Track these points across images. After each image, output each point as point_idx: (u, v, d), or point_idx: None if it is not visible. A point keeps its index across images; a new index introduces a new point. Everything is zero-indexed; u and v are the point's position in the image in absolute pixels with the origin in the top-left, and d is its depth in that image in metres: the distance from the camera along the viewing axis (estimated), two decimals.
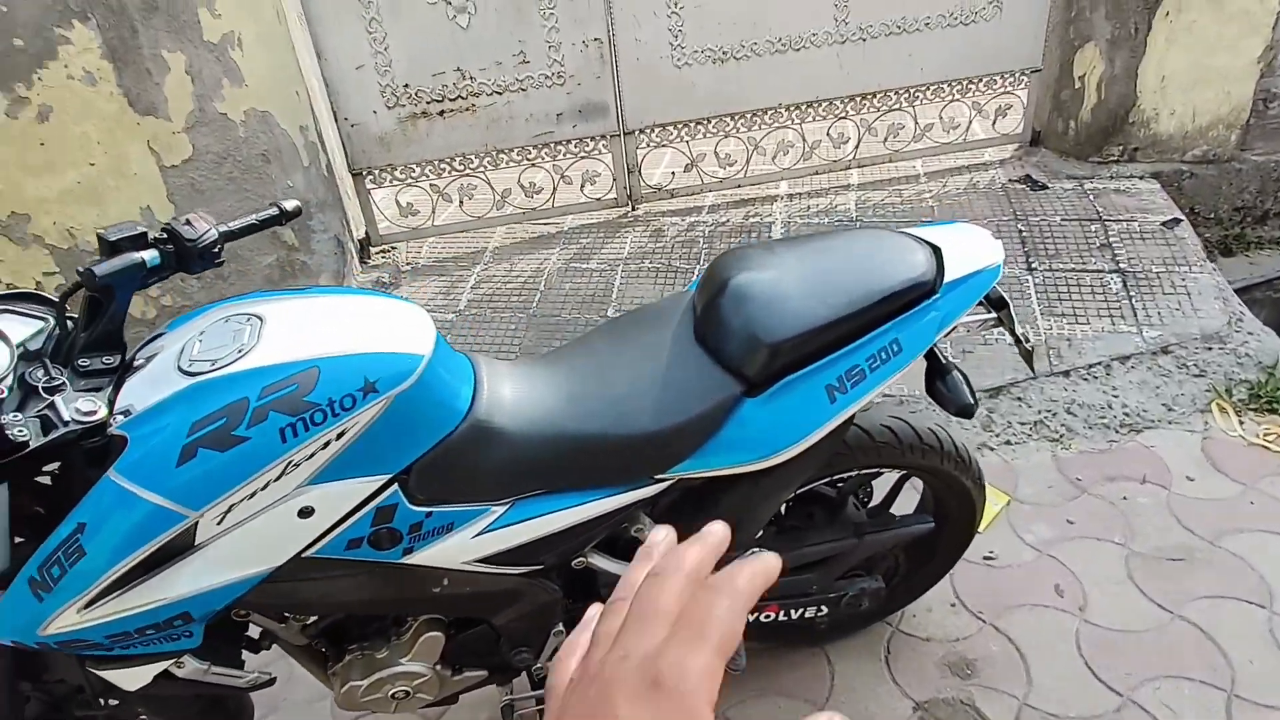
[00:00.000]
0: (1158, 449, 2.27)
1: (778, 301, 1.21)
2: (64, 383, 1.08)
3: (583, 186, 3.21)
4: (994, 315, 1.36)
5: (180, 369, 1.07)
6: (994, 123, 3.31)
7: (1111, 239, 2.82)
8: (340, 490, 1.11)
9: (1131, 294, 2.63)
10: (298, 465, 1.06)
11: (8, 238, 2.59)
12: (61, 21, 2.31)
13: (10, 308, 1.19)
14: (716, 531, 0.41)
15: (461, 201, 3.14)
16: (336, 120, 2.90)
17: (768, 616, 1.55)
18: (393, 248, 3.21)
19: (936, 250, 1.28)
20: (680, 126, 3.13)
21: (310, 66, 2.80)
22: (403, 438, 1.13)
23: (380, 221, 3.16)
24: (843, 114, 3.19)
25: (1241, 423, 2.31)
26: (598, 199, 3.25)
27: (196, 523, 1.04)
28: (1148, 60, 2.90)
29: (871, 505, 1.67)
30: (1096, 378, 2.46)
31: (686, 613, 0.35)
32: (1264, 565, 1.92)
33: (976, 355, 2.54)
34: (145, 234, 1.21)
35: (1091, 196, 3.01)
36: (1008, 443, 2.34)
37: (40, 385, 1.06)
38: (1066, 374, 2.46)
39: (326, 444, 1.07)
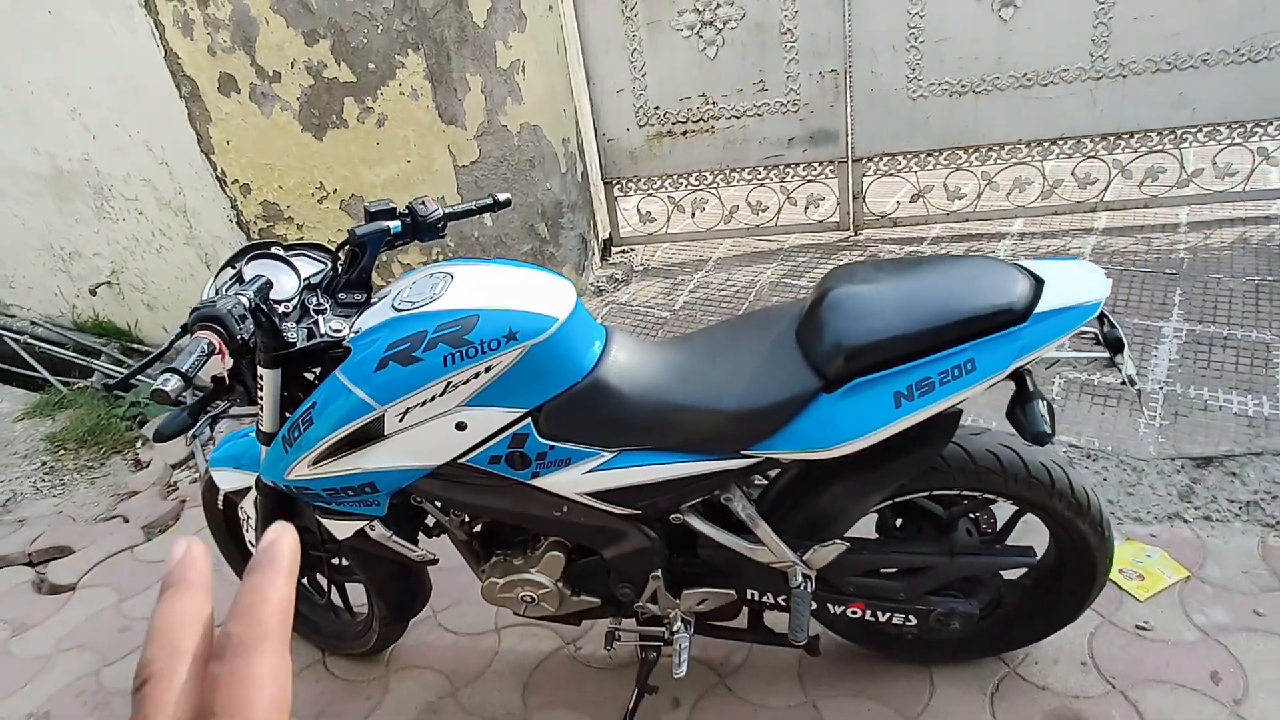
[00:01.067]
0: None
1: (865, 311, 1.34)
2: (327, 309, 1.54)
3: (807, 209, 3.38)
4: (1107, 354, 1.36)
5: (393, 306, 1.48)
6: None
7: None
8: (487, 414, 1.45)
9: None
10: (455, 387, 1.42)
11: (347, 213, 3.38)
12: (400, 50, 2.99)
13: (304, 252, 1.68)
14: (270, 543, 0.39)
15: (694, 213, 3.46)
16: (596, 135, 3.37)
17: (853, 612, 1.65)
18: (631, 249, 3.62)
19: (1040, 281, 1.32)
20: (910, 157, 3.17)
21: (580, 88, 3.29)
22: (536, 381, 1.44)
23: (623, 226, 3.58)
24: (1091, 153, 3.02)
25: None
26: (820, 221, 3.40)
27: (383, 416, 1.43)
28: None
29: (986, 535, 1.68)
30: None
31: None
32: None
33: (1191, 419, 2.32)
34: (394, 208, 1.65)
35: None
36: (1207, 518, 2.13)
37: (311, 308, 1.53)
38: None
39: (477, 374, 1.41)
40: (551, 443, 1.48)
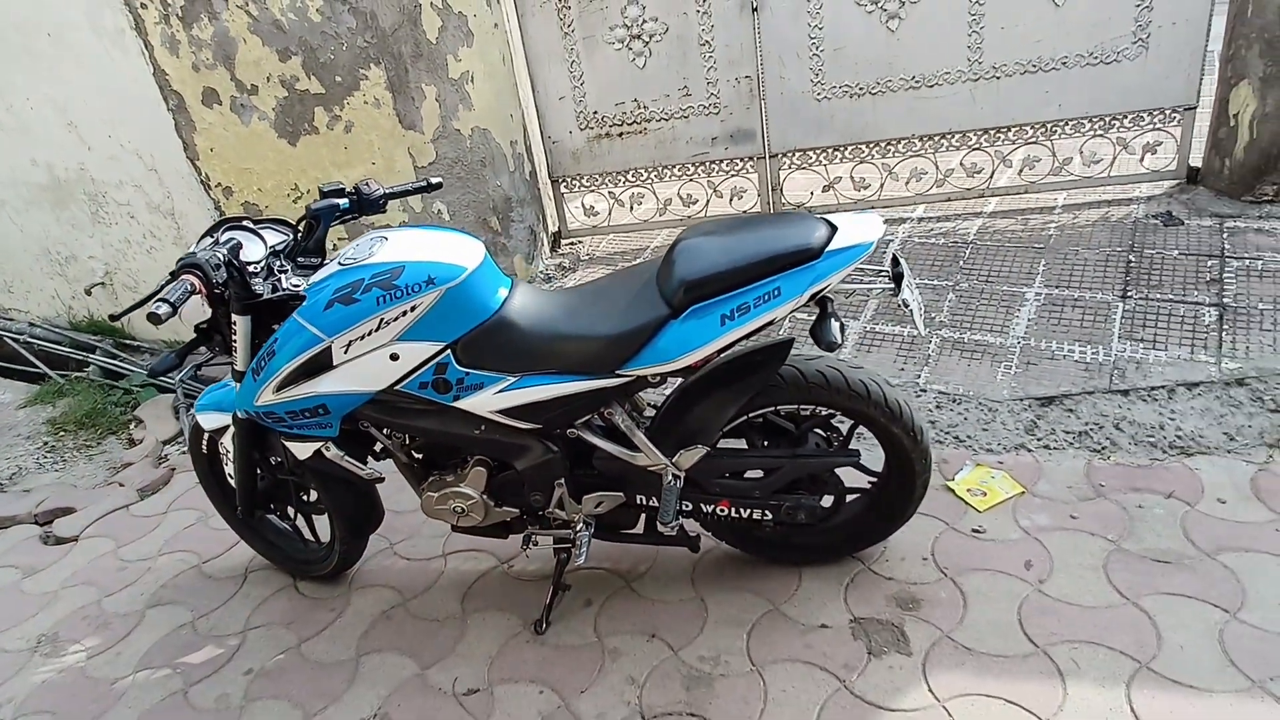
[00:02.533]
0: (1202, 472, 2.32)
1: (700, 254, 1.73)
2: (289, 269, 1.92)
3: (731, 200, 3.77)
4: (892, 285, 1.74)
5: (339, 263, 1.85)
6: (1142, 159, 3.33)
7: (1225, 275, 2.80)
8: (415, 348, 1.82)
9: (1225, 327, 2.63)
10: (387, 324, 1.78)
11: None
12: (363, 65, 3.38)
13: (270, 225, 2.05)
14: None
15: (632, 207, 3.85)
16: (542, 138, 3.75)
17: (721, 510, 2.02)
18: (578, 241, 4.01)
19: (834, 229, 1.71)
20: (819, 152, 3.58)
21: (526, 96, 3.68)
22: (452, 319, 1.82)
23: (570, 220, 3.97)
24: (976, 145, 3.43)
25: None
26: (744, 212, 3.79)
27: (330, 348, 1.80)
28: None
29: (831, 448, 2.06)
30: (1157, 400, 2.53)
31: None
32: (1253, 581, 1.97)
33: (1039, 367, 2.71)
34: (343, 188, 2.03)
35: (1226, 234, 2.97)
36: (1046, 447, 2.51)
37: (276, 269, 1.91)
38: (1125, 393, 2.56)
39: (404, 313, 1.78)
40: (467, 370, 1.85)
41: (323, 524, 2.44)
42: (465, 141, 3.49)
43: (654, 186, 3.80)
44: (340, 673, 2.15)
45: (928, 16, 3.20)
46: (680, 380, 1.90)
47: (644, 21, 3.42)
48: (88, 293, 4.58)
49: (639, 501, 2.05)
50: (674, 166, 3.73)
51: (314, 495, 2.36)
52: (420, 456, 2.12)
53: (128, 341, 4.69)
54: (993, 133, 3.39)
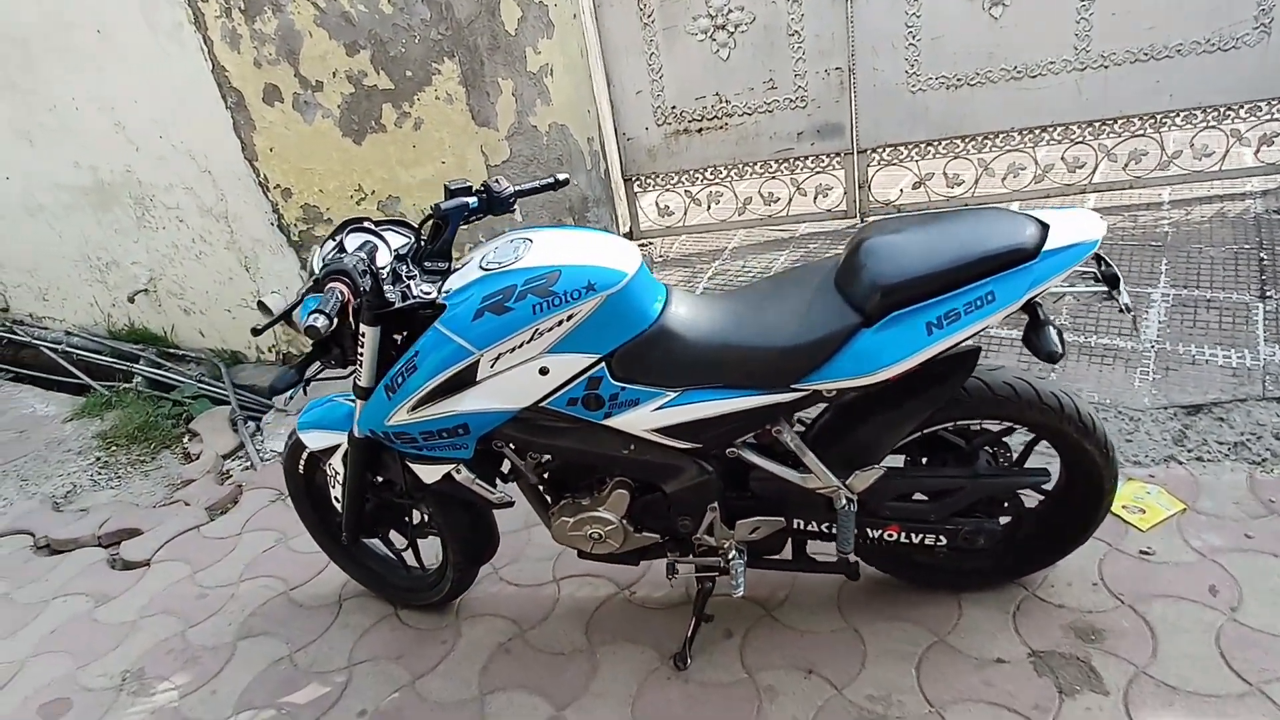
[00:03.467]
0: None
1: (897, 254, 1.56)
2: (416, 275, 1.75)
3: (816, 199, 3.61)
4: (1105, 288, 1.57)
5: (481, 267, 1.68)
6: (1257, 151, 3.17)
7: None
8: (567, 360, 1.65)
9: None
10: (540, 335, 1.62)
11: (384, 213, 3.58)
12: (436, 58, 3.21)
13: (391, 227, 1.89)
14: None
15: (709, 206, 3.69)
16: (616, 134, 3.59)
17: (890, 535, 1.85)
18: (650, 242, 3.84)
19: (1045, 226, 1.54)
20: (911, 147, 3.41)
21: (602, 91, 3.51)
22: (610, 329, 1.65)
23: (643, 220, 3.80)
24: (1079, 139, 3.27)
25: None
26: (828, 210, 3.62)
27: (478, 362, 1.63)
28: None
29: (1003, 465, 1.89)
30: None
31: None
32: None
33: (1181, 373, 2.54)
34: (470, 186, 1.86)
35: None
36: (1199, 459, 2.35)
37: (403, 274, 1.73)
38: None
39: (560, 323, 1.61)
40: (623, 384, 1.68)
41: (428, 549, 2.27)
42: (542, 138, 3.32)
43: (733, 184, 3.64)
44: (465, 714, 1.98)
45: (1034, 2, 3.04)
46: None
47: (730, 11, 3.25)
48: (130, 300, 4.40)
49: (796, 526, 1.88)
50: (755, 164, 3.57)
51: (420, 518, 2.19)
52: (549, 477, 1.95)
53: (172, 350, 4.52)
54: (1097, 125, 3.23)
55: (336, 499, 2.11)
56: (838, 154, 3.48)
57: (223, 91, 3.46)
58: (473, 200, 1.83)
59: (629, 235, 3.84)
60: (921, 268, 1.52)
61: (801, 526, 1.86)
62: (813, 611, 2.08)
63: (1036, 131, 3.28)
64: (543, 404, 1.70)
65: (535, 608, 2.26)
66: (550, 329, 1.62)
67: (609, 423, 1.72)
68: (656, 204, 3.73)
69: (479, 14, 3.11)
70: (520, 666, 2.08)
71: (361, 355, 1.74)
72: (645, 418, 1.70)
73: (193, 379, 4.12)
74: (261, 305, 4.04)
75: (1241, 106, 3.10)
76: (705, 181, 3.65)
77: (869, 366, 1.55)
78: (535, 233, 1.76)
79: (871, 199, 3.57)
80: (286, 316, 1.60)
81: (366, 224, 1.83)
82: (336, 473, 2.06)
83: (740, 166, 3.58)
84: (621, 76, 3.48)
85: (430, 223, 1.82)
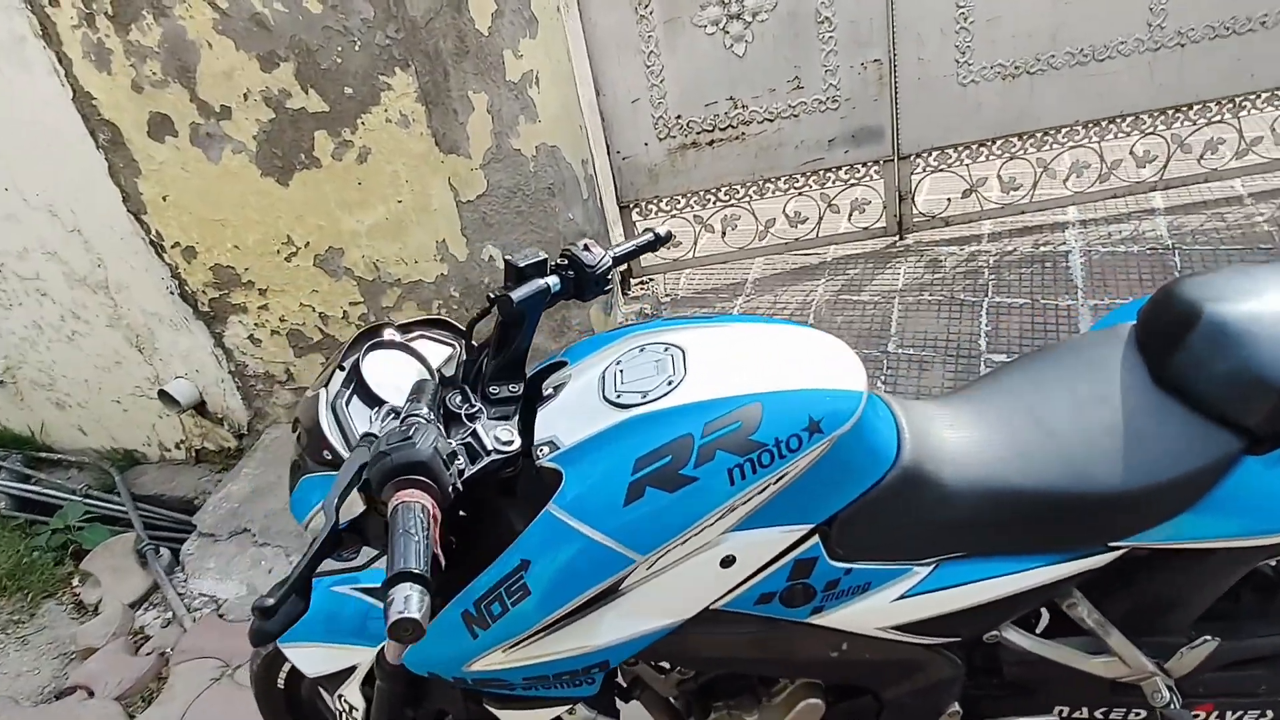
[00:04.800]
0: None
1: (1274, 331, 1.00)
2: (480, 409, 1.07)
3: (850, 215, 3.06)
4: None
5: (607, 400, 1.02)
6: None
7: None
8: (763, 539, 1.02)
9: None
10: (734, 510, 0.98)
11: (324, 269, 2.81)
12: (385, 69, 2.48)
13: (422, 332, 1.20)
14: None
15: (724, 232, 3.09)
16: (609, 153, 2.94)
17: (1195, 716, 1.29)
18: (652, 279, 3.21)
19: None
20: (961, 149, 2.91)
21: (589, 101, 2.86)
22: (833, 484, 1.02)
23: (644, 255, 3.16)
24: (1150, 129, 2.85)
25: None
26: (865, 228, 3.09)
27: (637, 567, 0.97)
28: None
29: None
30: None
31: None
32: None
33: None
34: (546, 260, 1.20)
35: None
36: None
37: (462, 413, 1.05)
38: None
39: (765, 489, 0.98)
40: (848, 565, 1.06)
41: None
42: (528, 164, 2.64)
43: (752, 204, 3.05)
44: None
45: None
46: None
47: None
48: None
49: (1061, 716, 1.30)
50: (779, 179, 2.99)
51: None
52: (692, 688, 1.30)
53: (45, 455, 3.56)
54: (1171, 113, 2.81)
55: None
56: (876, 162, 2.94)
57: (90, 125, 2.62)
58: (554, 280, 1.18)
59: (627, 272, 3.20)
60: None
61: (1086, 717, 1.28)
62: None
63: (1104, 124, 2.84)
64: (717, 606, 1.05)
65: None
66: (748, 500, 0.98)
67: (817, 620, 1.09)
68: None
69: (440, 9, 2.40)
70: None
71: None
72: (880, 611, 1.09)
73: (77, 494, 3.20)
74: (164, 395, 3.18)
75: None
76: (719, 203, 3.05)
77: (1273, 518, 0.99)
78: (679, 333, 1.11)
79: (915, 212, 3.05)
80: (315, 566, 0.89)
81: (388, 335, 1.14)
82: (353, 708, 1.34)
83: (760, 183, 3.00)
84: (613, 82, 2.84)
85: (494, 322, 1.15)
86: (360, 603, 1.30)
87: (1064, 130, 2.86)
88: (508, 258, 1.18)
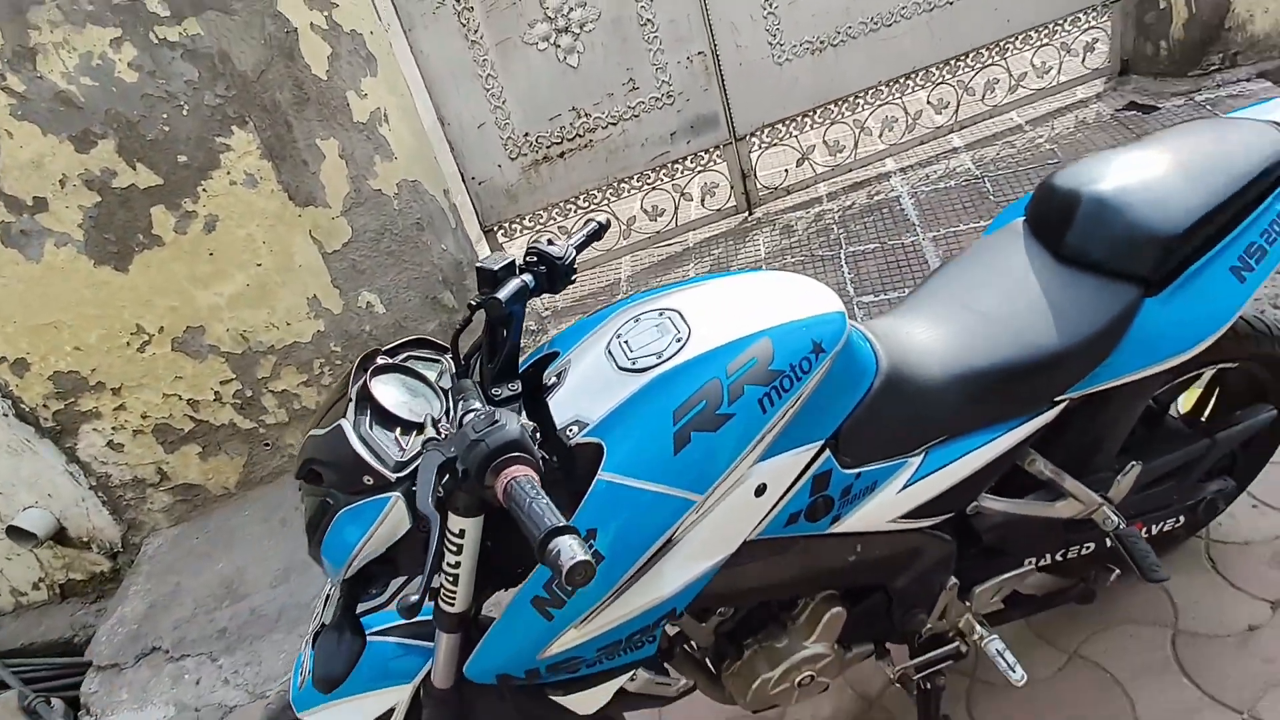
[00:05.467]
0: None
1: (1153, 197, 1.21)
2: (494, 415, 1.08)
3: (703, 200, 3.24)
4: None
5: (623, 369, 1.07)
6: (1083, 60, 3.35)
7: None
8: (785, 463, 1.10)
9: None
10: (763, 440, 1.06)
11: (185, 353, 2.62)
12: (221, 130, 2.36)
13: (411, 353, 1.19)
14: None
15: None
16: (464, 181, 2.94)
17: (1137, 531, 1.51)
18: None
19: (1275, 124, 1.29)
20: (788, 122, 3.17)
21: (434, 132, 2.85)
22: (834, 399, 1.13)
23: None
24: (940, 80, 3.24)
25: None
26: (718, 210, 3.28)
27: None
28: None
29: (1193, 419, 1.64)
30: None
31: None
32: None
33: None
34: (514, 261, 1.23)
35: (1208, 106, 3.03)
36: None
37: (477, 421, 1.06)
38: None
39: (787, 414, 1.06)
40: (856, 470, 1.17)
41: None
42: (391, 203, 2.60)
43: (611, 206, 3.15)
44: None
45: None
46: None
47: (570, 9, 2.77)
48: None
49: (1037, 565, 1.48)
50: (632, 178, 3.11)
51: None
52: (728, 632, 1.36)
53: None
54: (953, 63, 3.21)
55: None
56: (717, 147, 3.14)
57: None
58: (528, 278, 1.20)
59: None
60: (1200, 203, 1.19)
61: (1044, 561, 1.46)
62: (1023, 656, 1.70)
63: (902, 80, 3.19)
64: (754, 536, 1.13)
65: None
66: (775, 427, 1.06)
67: (837, 528, 1.19)
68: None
69: (271, 60, 2.33)
70: None
71: (449, 565, 1.03)
72: (889, 504, 1.20)
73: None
74: (13, 531, 2.84)
75: (1065, 19, 3.24)
76: (579, 211, 3.13)
77: (1181, 344, 1.19)
78: (664, 299, 1.17)
79: (760, 187, 3.28)
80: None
81: (381, 360, 1.13)
82: None
83: (615, 185, 3.11)
84: (456, 110, 2.85)
85: (483, 329, 1.17)
86: (381, 645, 1.26)
87: (870, 92, 3.19)
88: (479, 265, 1.19)
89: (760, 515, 1.11)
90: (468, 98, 2.83)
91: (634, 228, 3.22)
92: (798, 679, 1.34)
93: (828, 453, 1.14)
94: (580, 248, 1.36)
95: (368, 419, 1.03)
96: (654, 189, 3.17)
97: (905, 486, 1.20)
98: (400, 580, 1.16)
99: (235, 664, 2.35)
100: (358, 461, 0.97)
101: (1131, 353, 1.21)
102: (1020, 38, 3.23)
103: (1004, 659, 1.40)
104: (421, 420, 1.06)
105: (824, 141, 3.26)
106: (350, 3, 2.40)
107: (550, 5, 2.75)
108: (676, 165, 3.13)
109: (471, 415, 0.92)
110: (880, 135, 3.28)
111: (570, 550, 0.72)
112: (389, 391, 1.07)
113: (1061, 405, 1.26)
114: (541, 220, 3.11)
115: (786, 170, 3.31)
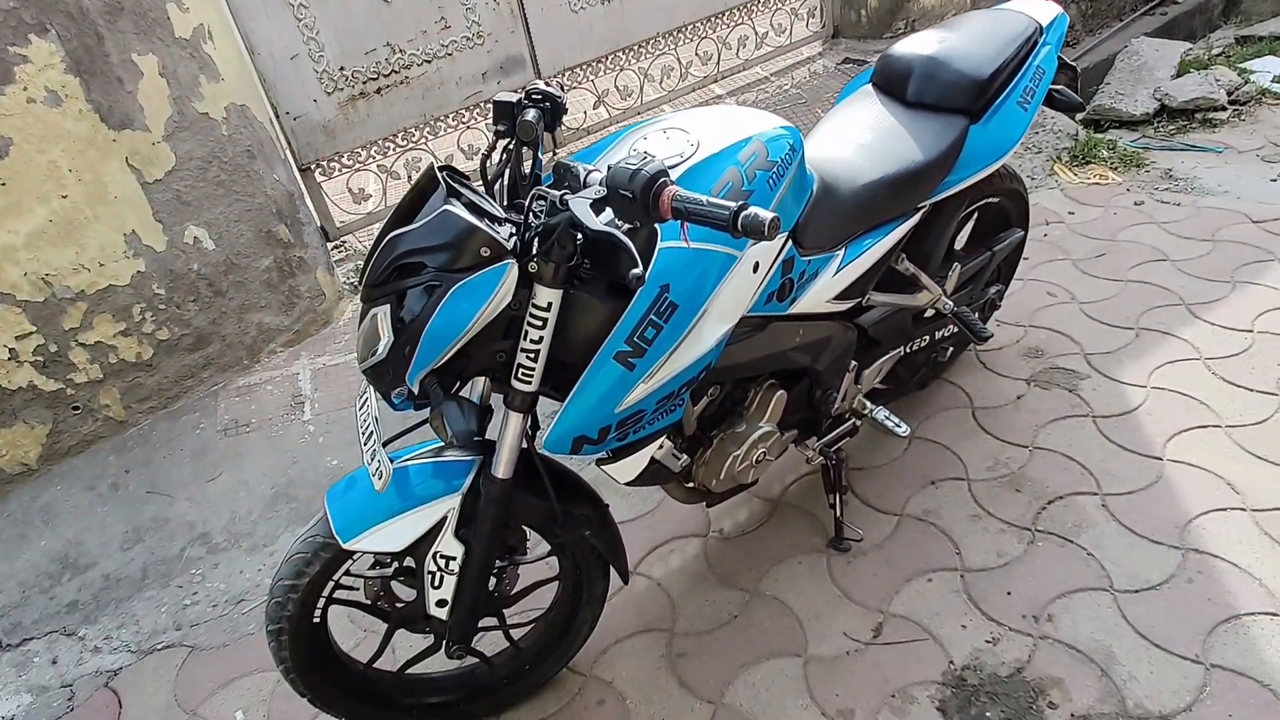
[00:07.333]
0: (1042, 203, 3.12)
1: (968, 54, 1.71)
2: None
3: None
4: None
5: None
6: (807, 24, 4.07)
7: None
8: (769, 246, 1.41)
9: None
10: None
11: None
12: (17, 39, 2.10)
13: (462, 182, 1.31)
14: None
15: (410, 177, 3.20)
16: (278, 115, 2.84)
17: (952, 330, 2.04)
18: (350, 235, 3.18)
19: (1022, 13, 1.86)
20: (585, 67, 3.47)
21: (247, 62, 2.72)
22: (795, 198, 1.46)
23: (336, 213, 3.11)
24: (704, 34, 3.74)
25: (1076, 174, 3.25)
26: None
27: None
28: None
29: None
30: None
31: None
32: (1146, 239, 2.80)
33: None
34: (522, 99, 1.40)
35: None
36: None
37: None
38: None
39: (780, 196, 1.37)
40: (808, 258, 1.52)
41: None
42: (219, 128, 2.46)
43: (430, 144, 3.21)
44: None
45: None
46: None
47: None
48: None
49: (907, 351, 1.95)
50: (448, 116, 3.19)
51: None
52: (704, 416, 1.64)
53: None
54: (713, 20, 3.73)
55: (440, 602, 1.42)
56: (524, 87, 3.33)
57: None
58: (535, 112, 1.39)
59: (323, 235, 3.12)
60: (998, 55, 1.70)
61: (914, 347, 1.93)
62: (882, 444, 2.19)
63: (674, 33, 3.63)
64: (746, 313, 1.43)
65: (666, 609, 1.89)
66: (773, 207, 1.36)
67: (793, 309, 1.53)
68: (350, 189, 3.08)
69: None
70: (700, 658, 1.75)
71: (531, 341, 1.21)
72: (826, 287, 1.57)
73: None
74: None
75: None
76: (398, 149, 3.14)
77: (996, 154, 1.69)
78: (667, 121, 1.42)
79: (564, 127, 3.53)
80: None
81: (443, 177, 1.25)
82: (449, 559, 1.38)
83: (433, 123, 3.17)
84: (267, 39, 2.74)
85: (506, 150, 1.34)
86: (422, 466, 1.36)
87: (650, 41, 3.59)
88: (497, 99, 1.35)
89: (754, 288, 1.41)
90: (279, 27, 2.74)
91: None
92: (755, 456, 1.65)
93: (790, 243, 1.47)
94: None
95: (448, 195, 1.15)
96: (469, 128, 3.29)
97: (836, 273, 1.57)
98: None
99: (104, 630, 2.12)
100: (476, 234, 1.10)
101: (962, 168, 1.69)
102: (761, 2, 3.84)
103: (890, 420, 1.84)
104: (495, 212, 1.21)
105: (615, 87, 3.60)
106: None
107: None
108: (489, 104, 3.28)
109: (544, 201, 1.11)
110: (660, 83, 3.71)
111: (760, 214, 0.95)
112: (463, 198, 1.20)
113: (922, 211, 1.71)
114: (360, 158, 3.08)
115: (585, 112, 3.60)
